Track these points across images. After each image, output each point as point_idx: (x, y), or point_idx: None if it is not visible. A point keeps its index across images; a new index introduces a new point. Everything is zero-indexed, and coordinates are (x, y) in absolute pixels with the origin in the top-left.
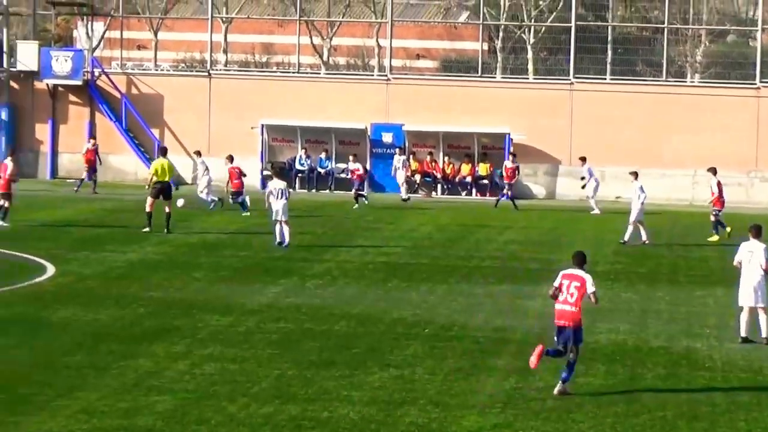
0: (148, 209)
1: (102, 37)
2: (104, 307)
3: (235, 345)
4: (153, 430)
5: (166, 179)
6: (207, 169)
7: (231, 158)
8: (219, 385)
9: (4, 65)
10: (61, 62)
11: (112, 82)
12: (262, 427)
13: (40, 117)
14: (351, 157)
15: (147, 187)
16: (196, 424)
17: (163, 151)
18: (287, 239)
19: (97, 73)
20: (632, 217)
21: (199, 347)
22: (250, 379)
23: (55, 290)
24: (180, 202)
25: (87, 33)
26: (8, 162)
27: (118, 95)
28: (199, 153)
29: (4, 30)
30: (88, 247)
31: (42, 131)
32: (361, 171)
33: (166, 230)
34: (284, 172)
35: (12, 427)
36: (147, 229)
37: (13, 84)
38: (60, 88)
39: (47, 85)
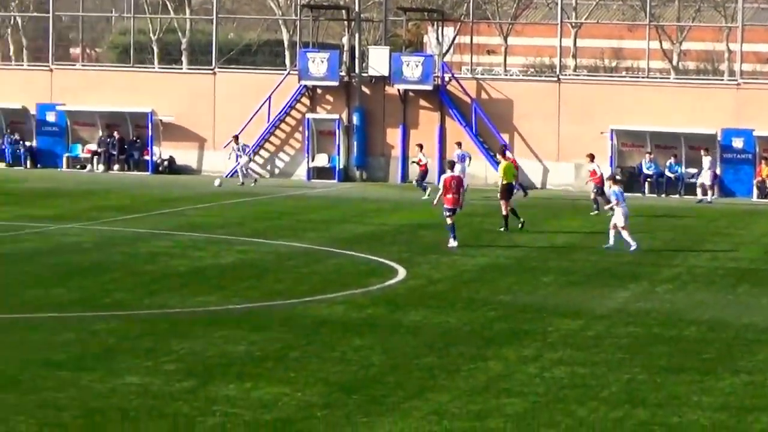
0: (504, 212)
1: (452, 42)
2: (454, 311)
3: (584, 349)
4: None
5: (509, 180)
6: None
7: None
8: (569, 388)
9: (357, 70)
10: (412, 67)
11: (462, 87)
12: None
13: (390, 122)
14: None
15: (497, 189)
16: (546, 428)
17: (503, 151)
18: (632, 243)
19: (447, 78)
20: None
21: (549, 351)
22: (600, 383)
23: (407, 293)
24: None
25: (437, 38)
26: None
27: (468, 100)
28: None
29: (356, 36)
30: (439, 251)
31: (392, 136)
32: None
33: (504, 228)
34: (615, 178)
35: (364, 427)
36: (502, 229)
37: (364, 89)
38: (410, 93)
39: (398, 90)
